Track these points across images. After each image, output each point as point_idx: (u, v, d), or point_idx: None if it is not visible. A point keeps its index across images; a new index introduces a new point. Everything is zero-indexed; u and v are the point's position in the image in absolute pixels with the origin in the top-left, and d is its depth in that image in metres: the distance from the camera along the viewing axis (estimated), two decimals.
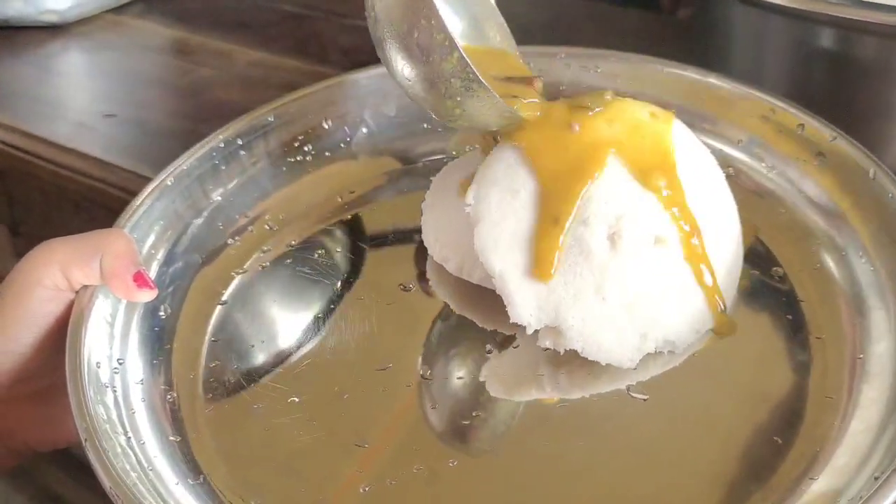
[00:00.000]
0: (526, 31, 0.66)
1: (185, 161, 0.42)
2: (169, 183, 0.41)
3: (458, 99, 0.34)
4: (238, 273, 0.42)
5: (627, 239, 0.34)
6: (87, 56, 0.72)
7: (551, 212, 0.34)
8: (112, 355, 0.35)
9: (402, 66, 0.34)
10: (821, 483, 0.30)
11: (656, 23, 0.70)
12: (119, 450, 0.30)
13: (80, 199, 0.55)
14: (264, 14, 0.80)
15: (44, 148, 0.57)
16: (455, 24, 0.41)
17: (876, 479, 0.27)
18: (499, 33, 0.42)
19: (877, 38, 0.42)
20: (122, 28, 0.77)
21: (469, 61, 0.32)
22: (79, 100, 0.65)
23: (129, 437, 0.32)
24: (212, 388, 0.36)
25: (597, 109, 0.35)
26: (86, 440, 0.29)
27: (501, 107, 0.34)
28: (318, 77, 0.49)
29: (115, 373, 0.34)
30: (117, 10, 0.80)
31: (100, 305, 0.35)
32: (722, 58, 0.51)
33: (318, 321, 0.39)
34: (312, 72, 0.64)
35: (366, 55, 0.64)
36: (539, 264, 0.34)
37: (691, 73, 0.46)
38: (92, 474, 0.29)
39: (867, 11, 0.39)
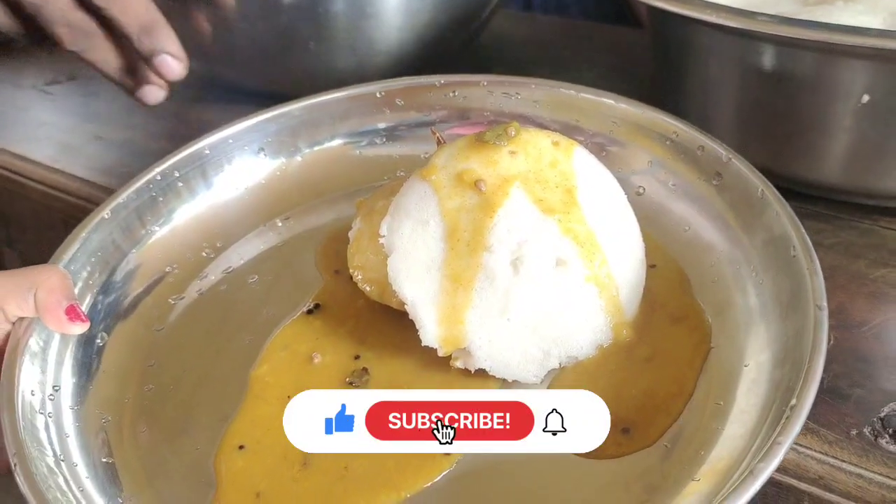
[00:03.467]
0: (511, 46, 0.67)
1: (123, 194, 0.45)
2: (106, 216, 0.43)
3: None
4: (175, 300, 0.44)
5: (529, 263, 0.36)
6: (76, 79, 0.74)
7: (454, 273, 0.36)
8: (46, 382, 0.37)
9: None
10: (702, 484, 0.32)
11: (632, 37, 0.74)
12: (47, 472, 0.32)
13: (67, 218, 0.57)
14: None
15: (33, 169, 0.60)
16: None
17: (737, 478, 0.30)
18: None
19: (810, 53, 0.43)
20: None
21: None
22: (68, 122, 0.67)
23: (62, 461, 0.34)
24: (146, 412, 0.38)
25: (501, 143, 0.38)
26: (16, 465, 0.31)
27: None
28: (296, 95, 0.51)
29: (50, 399, 0.36)
30: None
31: (36, 336, 0.37)
32: (679, 70, 0.53)
33: (251, 345, 0.41)
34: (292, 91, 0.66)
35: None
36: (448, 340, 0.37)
37: (604, 99, 0.48)
38: None
39: (793, 28, 0.41)
